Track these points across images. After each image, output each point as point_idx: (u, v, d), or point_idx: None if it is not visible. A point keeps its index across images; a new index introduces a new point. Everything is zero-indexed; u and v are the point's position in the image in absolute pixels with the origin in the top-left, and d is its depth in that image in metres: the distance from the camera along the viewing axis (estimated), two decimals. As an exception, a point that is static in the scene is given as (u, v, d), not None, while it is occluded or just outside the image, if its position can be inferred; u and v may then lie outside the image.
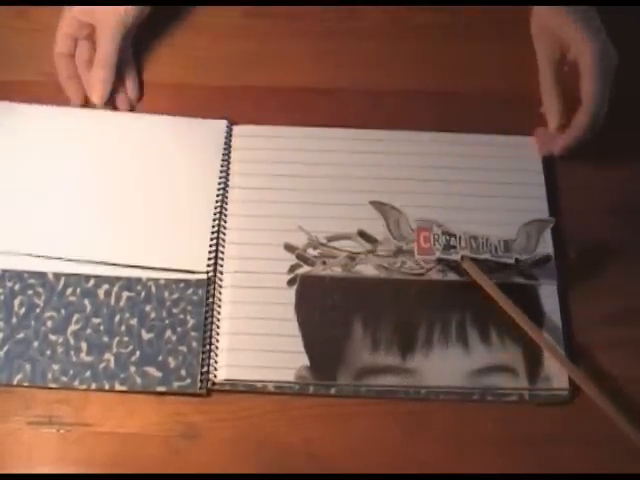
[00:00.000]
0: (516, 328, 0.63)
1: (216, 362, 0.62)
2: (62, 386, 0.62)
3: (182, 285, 0.65)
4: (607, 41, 0.68)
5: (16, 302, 0.64)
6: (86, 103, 0.73)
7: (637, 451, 0.60)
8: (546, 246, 0.67)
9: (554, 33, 0.71)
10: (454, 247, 0.64)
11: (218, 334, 0.64)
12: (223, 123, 0.72)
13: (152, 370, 0.62)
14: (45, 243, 0.66)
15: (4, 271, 0.65)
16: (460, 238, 0.64)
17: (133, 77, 0.74)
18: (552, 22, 0.71)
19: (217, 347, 0.63)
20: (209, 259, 0.66)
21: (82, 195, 0.69)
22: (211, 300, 0.65)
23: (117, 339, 0.63)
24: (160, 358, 0.62)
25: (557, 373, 0.62)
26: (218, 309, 0.64)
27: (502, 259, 0.63)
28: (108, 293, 0.65)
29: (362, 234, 0.67)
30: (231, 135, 0.72)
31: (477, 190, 0.69)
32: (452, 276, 0.66)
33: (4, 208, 0.68)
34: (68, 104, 0.74)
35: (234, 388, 0.62)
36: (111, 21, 0.72)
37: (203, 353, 0.63)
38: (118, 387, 0.62)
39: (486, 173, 0.70)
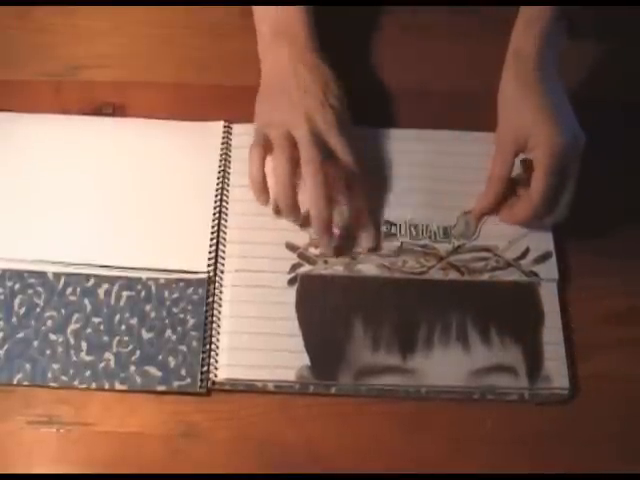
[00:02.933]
0: (516, 328, 0.63)
1: (216, 361, 0.62)
2: (62, 385, 0.62)
3: (182, 284, 0.65)
4: (573, 127, 0.64)
5: (16, 302, 0.64)
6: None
7: (637, 451, 0.61)
8: (547, 244, 0.67)
9: (517, 116, 0.65)
10: (394, 234, 0.67)
11: (218, 333, 0.64)
12: (220, 124, 0.72)
13: (152, 369, 0.62)
14: (46, 248, 0.66)
15: (4, 271, 0.65)
16: (400, 226, 0.68)
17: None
18: (515, 105, 0.65)
19: (217, 346, 0.63)
20: (209, 258, 0.66)
21: (82, 199, 0.69)
22: (211, 299, 0.65)
23: (117, 338, 0.63)
24: (160, 357, 0.62)
25: (557, 373, 0.62)
26: (218, 308, 0.64)
27: (440, 244, 0.67)
28: (108, 292, 0.65)
29: None
30: (231, 134, 0.72)
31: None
32: (453, 275, 0.66)
33: (4, 214, 0.68)
34: (68, 106, 0.73)
35: (234, 387, 0.62)
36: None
37: (203, 352, 0.63)
38: (118, 386, 0.62)
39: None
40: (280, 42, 0.69)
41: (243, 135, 0.71)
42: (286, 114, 0.65)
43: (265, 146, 0.65)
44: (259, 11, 0.72)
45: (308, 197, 0.63)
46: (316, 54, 0.69)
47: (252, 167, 0.66)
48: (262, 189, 0.66)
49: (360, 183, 0.66)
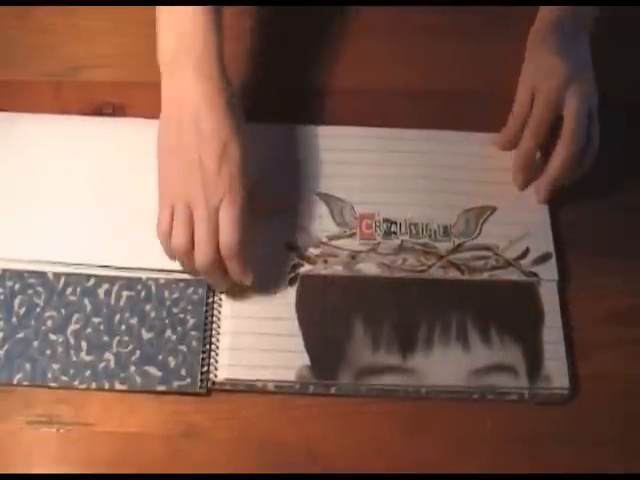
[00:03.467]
0: (516, 327, 0.63)
1: (216, 361, 0.62)
2: (62, 385, 0.62)
3: (182, 284, 0.65)
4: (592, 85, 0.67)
5: (16, 302, 0.64)
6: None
7: (637, 451, 0.61)
8: (547, 244, 0.67)
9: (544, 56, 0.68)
10: (395, 233, 0.67)
11: (218, 333, 0.64)
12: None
13: (152, 369, 0.62)
14: (46, 248, 0.66)
15: (4, 271, 0.65)
16: (400, 225, 0.68)
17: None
18: (547, 46, 0.69)
19: (217, 346, 0.63)
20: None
21: (82, 199, 0.68)
22: (211, 299, 0.65)
23: (117, 338, 0.63)
24: (160, 357, 0.62)
25: (557, 372, 0.62)
26: (218, 308, 0.64)
27: (440, 242, 0.67)
28: (108, 292, 0.65)
29: None
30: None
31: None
32: (453, 274, 0.66)
33: (4, 214, 0.68)
34: (68, 106, 0.73)
35: (234, 387, 0.62)
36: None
37: (203, 352, 0.63)
38: (118, 386, 0.62)
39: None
40: (183, 65, 0.61)
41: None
42: (187, 186, 0.60)
43: (170, 214, 0.61)
44: (162, 18, 0.63)
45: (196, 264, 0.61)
46: (224, 88, 0.62)
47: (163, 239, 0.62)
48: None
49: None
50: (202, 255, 0.60)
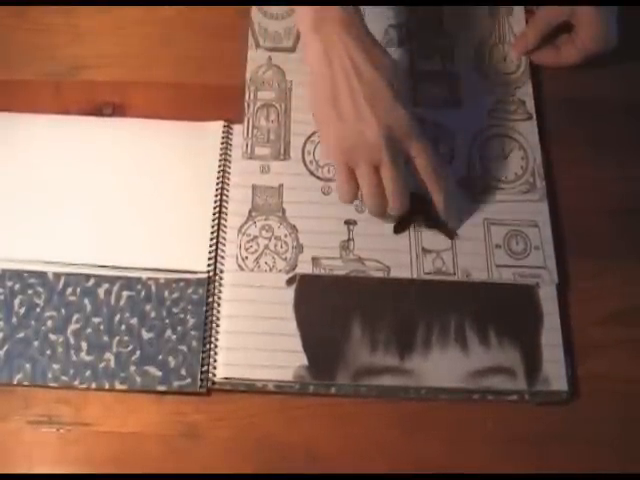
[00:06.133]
0: (515, 329, 0.63)
1: (216, 361, 0.62)
2: (62, 385, 0.62)
3: (182, 284, 0.65)
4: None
5: (16, 302, 0.64)
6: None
7: (636, 451, 0.61)
8: (547, 245, 0.67)
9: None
10: None
11: (218, 333, 0.64)
12: (220, 124, 0.72)
13: (152, 369, 0.62)
14: (46, 248, 0.66)
15: (4, 271, 0.65)
16: None
17: None
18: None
19: (217, 346, 0.63)
20: (209, 258, 0.66)
21: (82, 199, 0.69)
22: (211, 299, 0.65)
23: (117, 338, 0.63)
24: (160, 357, 0.62)
25: (556, 375, 0.62)
26: (218, 308, 0.64)
27: None
28: (108, 292, 0.65)
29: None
30: (231, 134, 0.72)
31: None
32: (451, 277, 0.66)
33: (4, 214, 0.68)
34: (68, 106, 0.74)
35: (234, 387, 0.62)
36: None
37: (203, 352, 0.63)
38: (118, 386, 0.62)
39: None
40: (326, 27, 0.63)
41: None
42: (364, 144, 0.62)
43: (350, 172, 0.64)
44: (298, 12, 0.67)
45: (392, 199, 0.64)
46: (374, 38, 0.64)
47: (345, 196, 0.66)
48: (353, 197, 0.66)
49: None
50: (401, 206, 0.64)
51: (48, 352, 0.62)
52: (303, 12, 0.64)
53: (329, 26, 0.63)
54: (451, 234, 0.67)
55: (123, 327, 0.64)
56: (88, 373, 0.62)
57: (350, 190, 0.65)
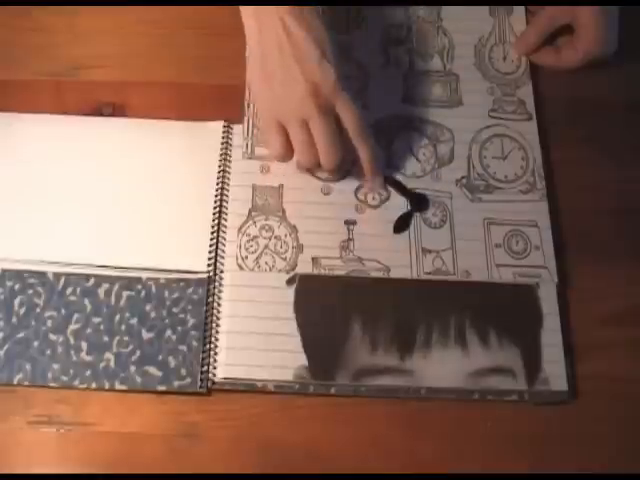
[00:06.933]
0: (515, 330, 0.63)
1: (216, 361, 0.63)
2: (62, 385, 0.62)
3: (182, 284, 0.65)
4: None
5: (16, 302, 0.64)
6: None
7: (637, 451, 0.61)
8: (546, 245, 0.67)
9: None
10: None
11: (218, 333, 0.64)
12: (220, 124, 0.72)
13: (152, 369, 0.62)
14: (46, 247, 0.66)
15: (4, 271, 0.65)
16: None
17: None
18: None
19: (217, 346, 0.63)
20: (209, 258, 0.66)
21: (82, 199, 0.68)
22: (211, 299, 0.65)
23: (117, 338, 0.63)
24: (160, 357, 0.62)
25: (556, 375, 0.62)
26: (218, 308, 0.65)
27: None
28: (108, 292, 0.65)
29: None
30: (231, 134, 0.72)
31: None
32: (451, 277, 0.66)
33: (4, 214, 0.68)
34: (68, 106, 0.74)
35: (234, 387, 0.62)
36: None
37: (203, 352, 0.63)
38: (118, 386, 0.62)
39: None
40: (265, 11, 0.65)
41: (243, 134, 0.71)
42: (291, 100, 0.64)
43: (281, 130, 0.66)
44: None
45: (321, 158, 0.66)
46: (314, 10, 0.65)
47: (276, 153, 0.68)
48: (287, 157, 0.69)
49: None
50: (331, 161, 0.66)
51: (48, 352, 0.62)
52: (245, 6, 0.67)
53: (268, 10, 0.65)
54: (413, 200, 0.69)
55: (123, 327, 0.64)
56: (88, 373, 0.62)
57: (282, 147, 0.67)
